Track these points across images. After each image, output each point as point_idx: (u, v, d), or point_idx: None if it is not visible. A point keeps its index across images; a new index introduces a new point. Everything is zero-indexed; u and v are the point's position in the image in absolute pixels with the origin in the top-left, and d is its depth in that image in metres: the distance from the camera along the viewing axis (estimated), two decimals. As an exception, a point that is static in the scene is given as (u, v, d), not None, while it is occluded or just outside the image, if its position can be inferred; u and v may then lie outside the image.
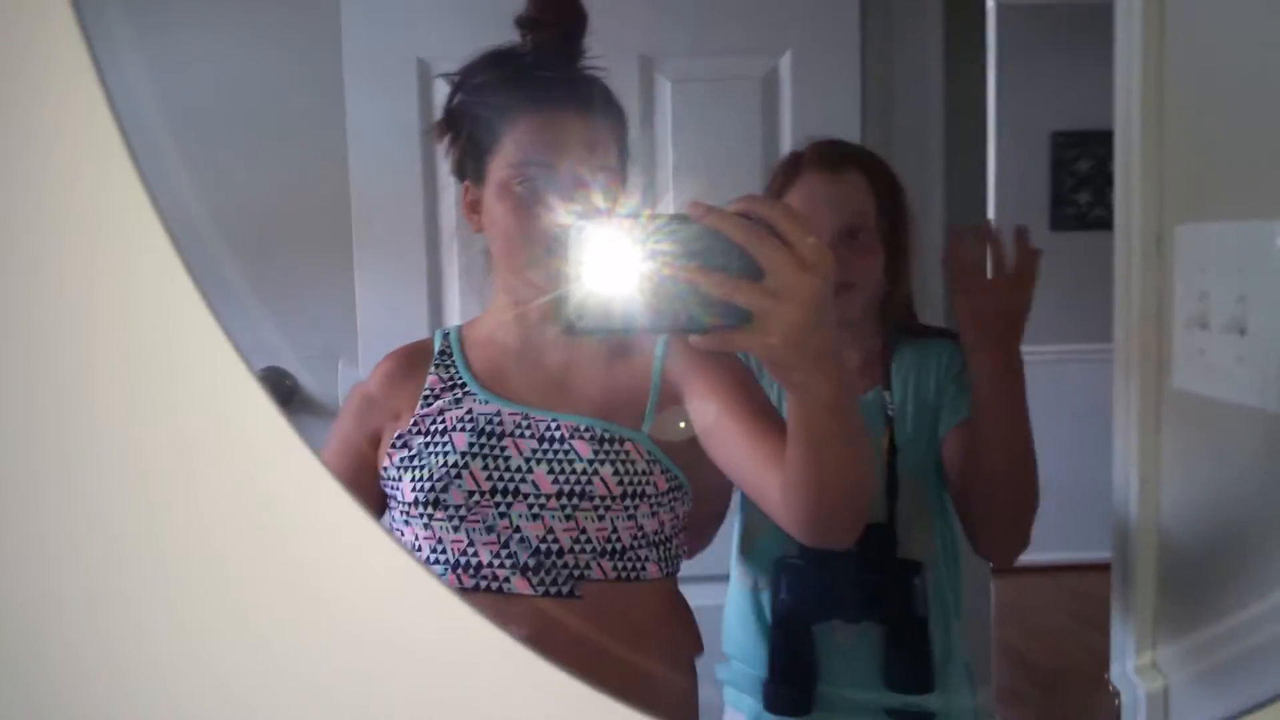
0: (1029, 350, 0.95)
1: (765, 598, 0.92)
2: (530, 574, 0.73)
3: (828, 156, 0.92)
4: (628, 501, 0.75)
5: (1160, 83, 0.70)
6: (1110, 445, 0.81)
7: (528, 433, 0.76)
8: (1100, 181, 1.28)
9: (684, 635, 0.81)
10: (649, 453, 0.76)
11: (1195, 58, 0.69)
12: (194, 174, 0.69)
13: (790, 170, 0.92)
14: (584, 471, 0.74)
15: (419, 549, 0.75)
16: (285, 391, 0.95)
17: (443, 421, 0.77)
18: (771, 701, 0.88)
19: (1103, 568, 0.83)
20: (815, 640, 0.88)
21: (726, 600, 0.96)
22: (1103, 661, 0.83)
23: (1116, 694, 0.80)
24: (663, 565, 0.78)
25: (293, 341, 0.81)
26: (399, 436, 0.77)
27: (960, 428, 0.89)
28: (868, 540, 0.85)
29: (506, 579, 0.74)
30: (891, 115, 1.06)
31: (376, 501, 0.78)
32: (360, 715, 0.64)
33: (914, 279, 0.94)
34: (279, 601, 0.63)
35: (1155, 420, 0.72)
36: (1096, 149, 1.28)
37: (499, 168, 0.75)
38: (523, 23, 0.75)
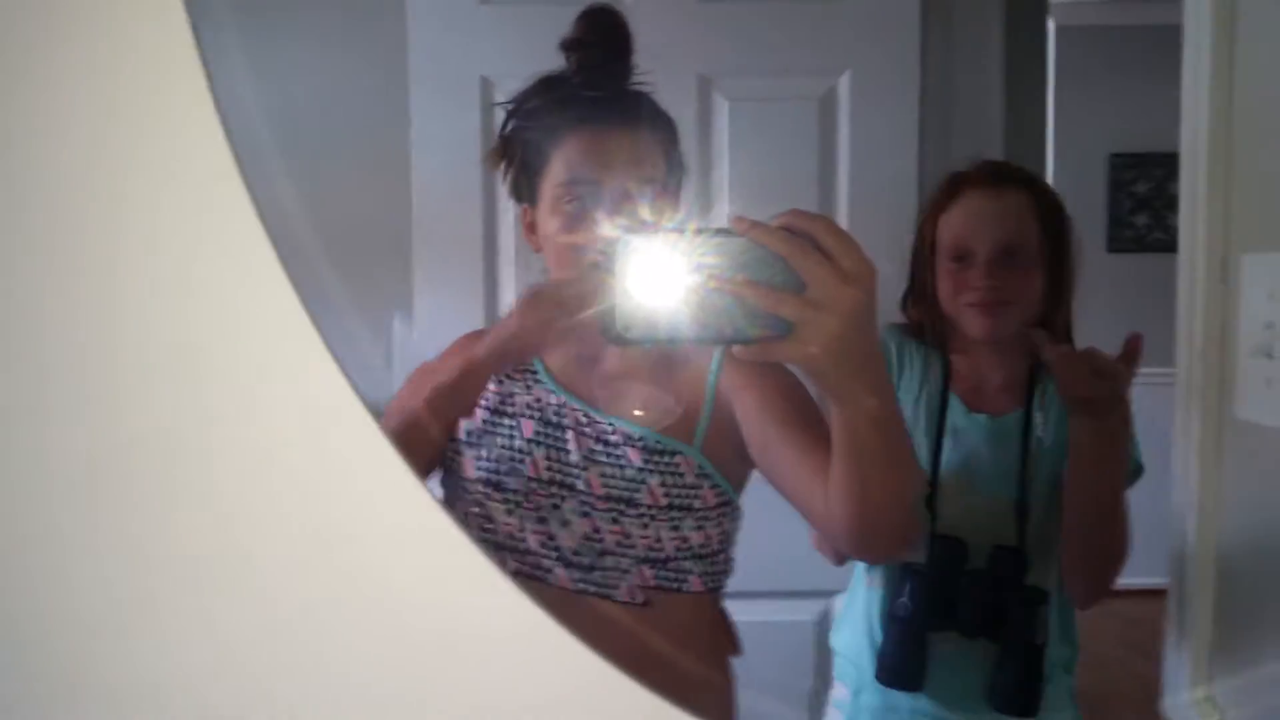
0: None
1: (880, 596, 0.93)
2: (573, 569, 0.74)
3: (992, 174, 0.92)
4: (674, 513, 0.76)
5: (1229, 106, 0.70)
6: (1168, 469, 0.80)
7: (587, 431, 0.77)
8: (1159, 204, 1.26)
9: (723, 637, 0.81)
10: (699, 467, 0.77)
11: (1265, 82, 0.68)
12: (293, 183, 0.71)
13: (952, 187, 0.92)
14: (633, 479, 0.75)
15: (466, 522, 0.76)
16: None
17: (512, 405, 0.78)
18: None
19: (1157, 593, 0.82)
20: (926, 648, 0.89)
21: (846, 597, 0.98)
22: (1151, 691, 0.82)
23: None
24: (706, 580, 0.78)
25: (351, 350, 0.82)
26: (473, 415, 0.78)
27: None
28: (999, 561, 0.88)
29: (550, 570, 0.75)
30: (950, 137, 1.06)
31: (427, 470, 0.79)
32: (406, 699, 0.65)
33: (1073, 305, 0.93)
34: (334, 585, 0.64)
35: (1217, 448, 0.71)
36: (1154, 171, 1.26)
37: (549, 187, 0.76)
38: (568, 45, 0.76)
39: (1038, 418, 0.91)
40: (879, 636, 0.92)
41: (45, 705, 0.69)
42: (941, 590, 0.88)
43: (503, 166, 0.80)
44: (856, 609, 0.96)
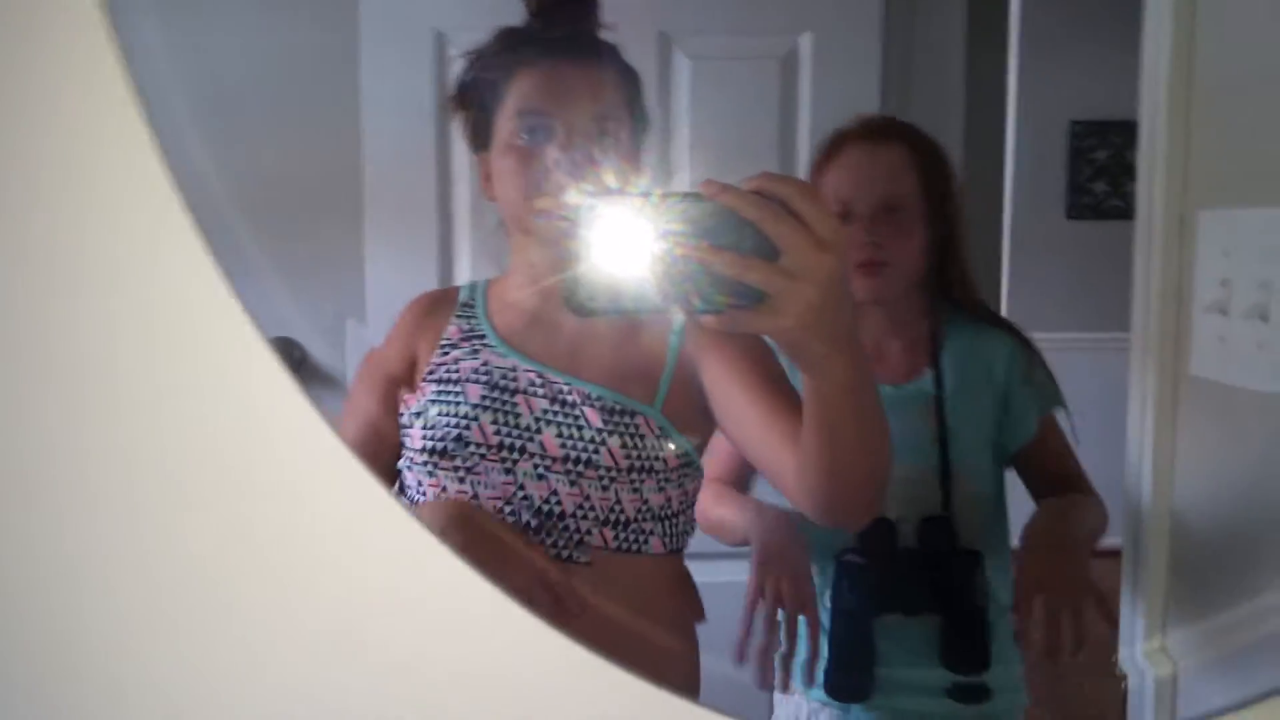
0: (1041, 337, 0.95)
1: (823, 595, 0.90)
2: (532, 534, 0.73)
3: (869, 128, 0.91)
4: (634, 475, 0.75)
5: (1190, 67, 0.70)
6: (1124, 433, 0.80)
7: (540, 392, 0.76)
8: (1116, 171, 1.27)
9: (686, 604, 0.81)
10: (659, 428, 0.76)
11: (1226, 42, 0.68)
12: (210, 144, 0.69)
13: (833, 144, 0.90)
14: (591, 440, 0.74)
15: (424, 496, 0.75)
16: (294, 362, 0.95)
17: (457, 371, 0.77)
18: (833, 689, 0.89)
19: (1113, 555, 0.82)
20: (874, 631, 0.88)
21: None
22: (1108, 648, 0.83)
23: (1123, 677, 0.79)
24: (667, 540, 0.78)
25: (303, 311, 0.81)
26: (421, 380, 0.77)
27: (1031, 448, 0.89)
28: (928, 533, 0.87)
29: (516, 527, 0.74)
30: (910, 99, 1.05)
31: (391, 473, 0.78)
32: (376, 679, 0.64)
33: (965, 260, 0.91)
34: (296, 566, 0.62)
35: (1171, 406, 0.71)
36: (1114, 139, 1.27)
37: (502, 125, 0.75)
38: None
39: (934, 380, 0.89)
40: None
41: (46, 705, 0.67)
42: (881, 575, 0.87)
43: (460, 116, 0.78)
44: None
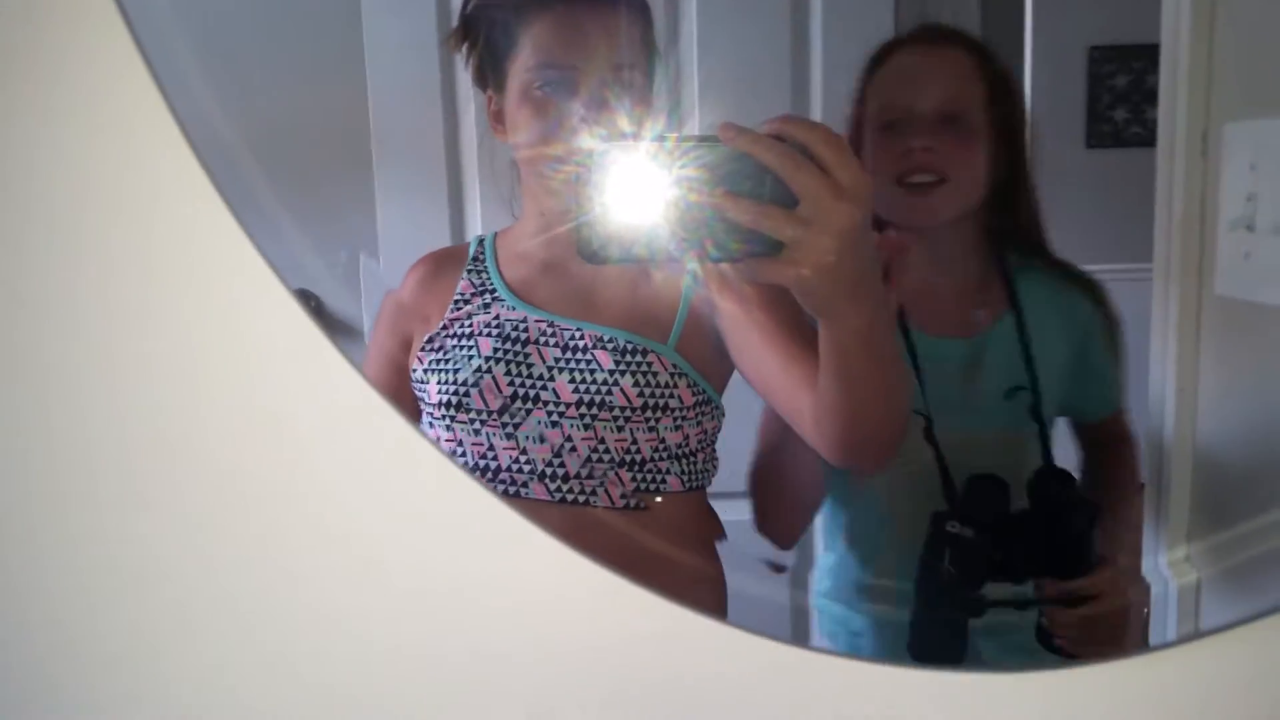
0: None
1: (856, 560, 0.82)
2: (547, 481, 0.74)
3: (929, 34, 0.83)
4: (649, 414, 0.75)
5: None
6: (1145, 361, 0.79)
7: (552, 341, 0.76)
8: (1137, 98, 1.24)
9: (709, 526, 0.81)
10: (674, 365, 0.76)
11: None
12: (216, 88, 0.68)
13: (882, 51, 0.82)
14: (604, 382, 0.74)
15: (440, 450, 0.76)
16: (310, 312, 0.94)
17: (470, 325, 0.77)
18: (921, 656, 0.79)
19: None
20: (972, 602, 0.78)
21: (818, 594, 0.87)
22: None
23: (1147, 587, 0.76)
24: (685, 479, 0.78)
25: (320, 256, 0.80)
26: (429, 340, 0.78)
27: (1099, 424, 0.80)
28: (1042, 487, 0.77)
29: (525, 484, 0.74)
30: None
31: (414, 409, 0.79)
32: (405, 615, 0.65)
33: (1033, 195, 0.81)
34: (322, 513, 0.64)
35: (1195, 327, 0.70)
36: (1133, 64, 1.24)
37: (519, 72, 0.74)
38: None
39: (1029, 324, 0.80)
40: (860, 605, 0.83)
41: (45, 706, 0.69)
42: (989, 542, 0.76)
43: (464, 50, 0.77)
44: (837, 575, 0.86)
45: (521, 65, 0.74)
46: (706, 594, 0.78)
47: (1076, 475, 0.81)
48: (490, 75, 0.77)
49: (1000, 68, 0.82)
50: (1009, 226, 0.81)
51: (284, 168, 0.80)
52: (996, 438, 0.81)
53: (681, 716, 0.67)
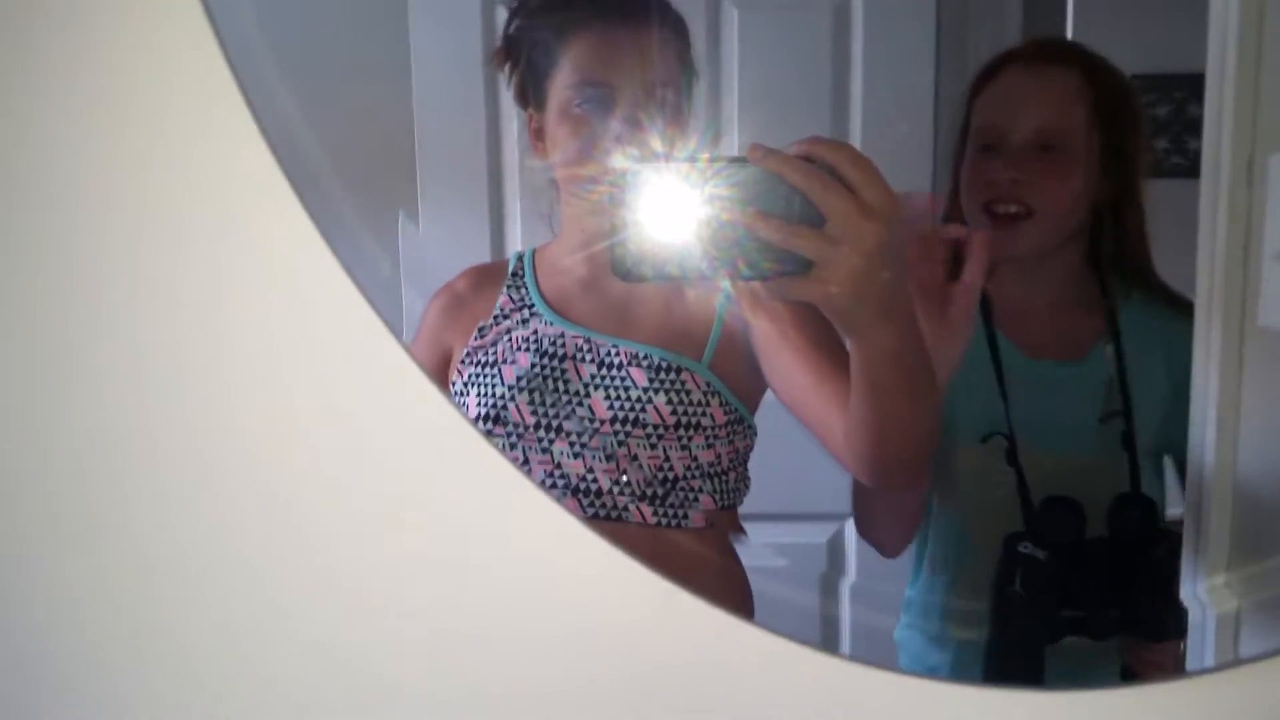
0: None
1: (943, 584, 0.80)
2: (581, 496, 0.74)
3: (1041, 49, 0.80)
4: (681, 432, 0.75)
5: (1261, 6, 0.67)
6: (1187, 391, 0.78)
7: (588, 357, 0.76)
8: (1178, 128, 1.23)
9: (731, 529, 0.82)
10: (707, 383, 0.76)
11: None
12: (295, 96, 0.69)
13: (995, 64, 0.80)
14: (638, 399, 0.75)
15: None
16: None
17: (509, 340, 0.78)
18: (997, 675, 0.76)
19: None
20: (1047, 633, 0.75)
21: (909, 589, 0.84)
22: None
23: (1184, 612, 0.73)
24: (717, 497, 0.78)
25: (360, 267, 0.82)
26: (467, 354, 0.78)
27: None
28: (1122, 514, 0.74)
29: (558, 499, 0.75)
30: (966, 53, 1.03)
31: None
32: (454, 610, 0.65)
33: (1142, 221, 0.78)
34: (378, 496, 0.64)
35: (1238, 358, 0.69)
36: (1176, 93, 1.23)
37: (558, 90, 0.75)
38: None
39: (1128, 351, 0.77)
40: (941, 635, 0.80)
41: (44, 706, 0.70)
42: (1063, 568, 0.74)
43: (507, 69, 0.79)
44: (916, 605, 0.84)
45: (561, 83, 0.76)
46: (733, 590, 0.79)
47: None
48: (531, 93, 0.79)
49: (1113, 84, 0.79)
50: (1112, 250, 0.79)
51: (329, 180, 0.81)
52: (1085, 464, 0.79)
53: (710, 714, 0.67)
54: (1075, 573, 0.74)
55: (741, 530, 0.81)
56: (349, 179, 0.81)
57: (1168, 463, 0.80)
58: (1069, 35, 1.17)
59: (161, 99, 0.62)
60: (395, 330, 0.78)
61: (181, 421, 0.65)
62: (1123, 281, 0.80)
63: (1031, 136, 0.76)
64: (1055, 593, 0.74)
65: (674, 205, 0.53)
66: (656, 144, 0.74)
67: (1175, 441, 0.79)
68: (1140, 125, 0.78)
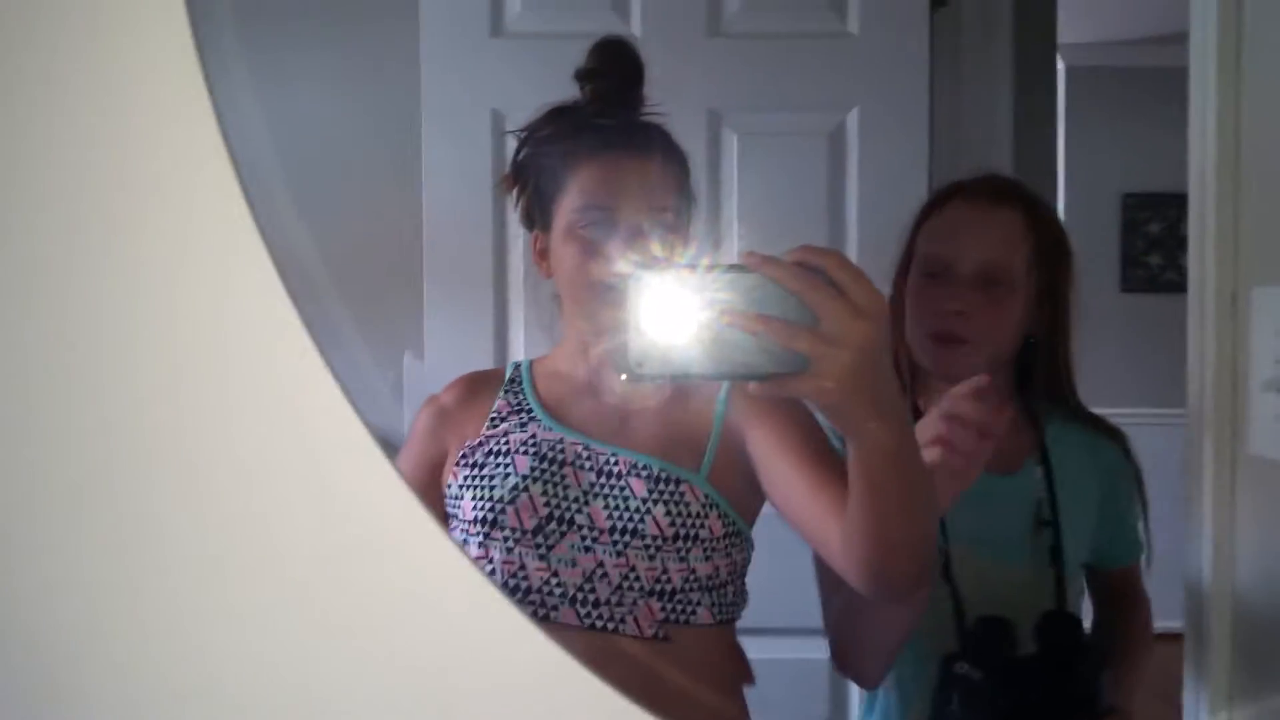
0: (1097, 412, 0.93)
1: (895, 703, 0.82)
2: (578, 606, 0.74)
3: (986, 186, 0.83)
4: (679, 544, 0.75)
5: (1237, 141, 0.70)
6: (1181, 510, 0.78)
7: (588, 465, 0.77)
8: (1171, 244, 1.26)
9: (736, 667, 0.80)
10: (705, 496, 0.76)
11: (1274, 116, 0.68)
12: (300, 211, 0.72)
13: (943, 195, 0.83)
14: (637, 510, 0.75)
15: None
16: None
17: (507, 443, 0.78)
18: None
19: (1173, 637, 0.79)
20: None
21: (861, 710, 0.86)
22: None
23: None
24: (715, 611, 0.77)
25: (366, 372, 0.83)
26: (463, 455, 0.79)
27: (1119, 572, 0.83)
28: (1050, 631, 0.76)
29: (555, 607, 0.74)
30: (959, 175, 1.06)
31: (442, 518, 0.79)
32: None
33: (1068, 352, 0.83)
34: (356, 611, 0.63)
35: (1230, 485, 0.70)
36: (1167, 211, 1.26)
37: (564, 213, 0.77)
38: (582, 75, 0.79)
39: (1056, 467, 0.81)
40: None
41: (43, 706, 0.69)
42: (996, 686, 0.75)
43: (514, 193, 0.81)
44: None
45: (567, 207, 0.78)
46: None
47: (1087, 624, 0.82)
48: (537, 215, 0.81)
49: (1052, 227, 0.83)
50: (1040, 375, 0.83)
51: (335, 290, 0.83)
52: (1016, 577, 0.81)
53: None
54: (1009, 692, 0.76)
55: (750, 678, 0.80)
56: (354, 299, 0.84)
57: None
58: (1060, 158, 1.21)
59: (171, 212, 0.64)
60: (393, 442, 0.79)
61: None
62: (1049, 402, 0.85)
63: (977, 270, 0.79)
64: (992, 713, 0.76)
65: (675, 307, 0.54)
66: (657, 250, 0.76)
67: (1098, 551, 0.84)
68: (1073, 266, 0.82)
